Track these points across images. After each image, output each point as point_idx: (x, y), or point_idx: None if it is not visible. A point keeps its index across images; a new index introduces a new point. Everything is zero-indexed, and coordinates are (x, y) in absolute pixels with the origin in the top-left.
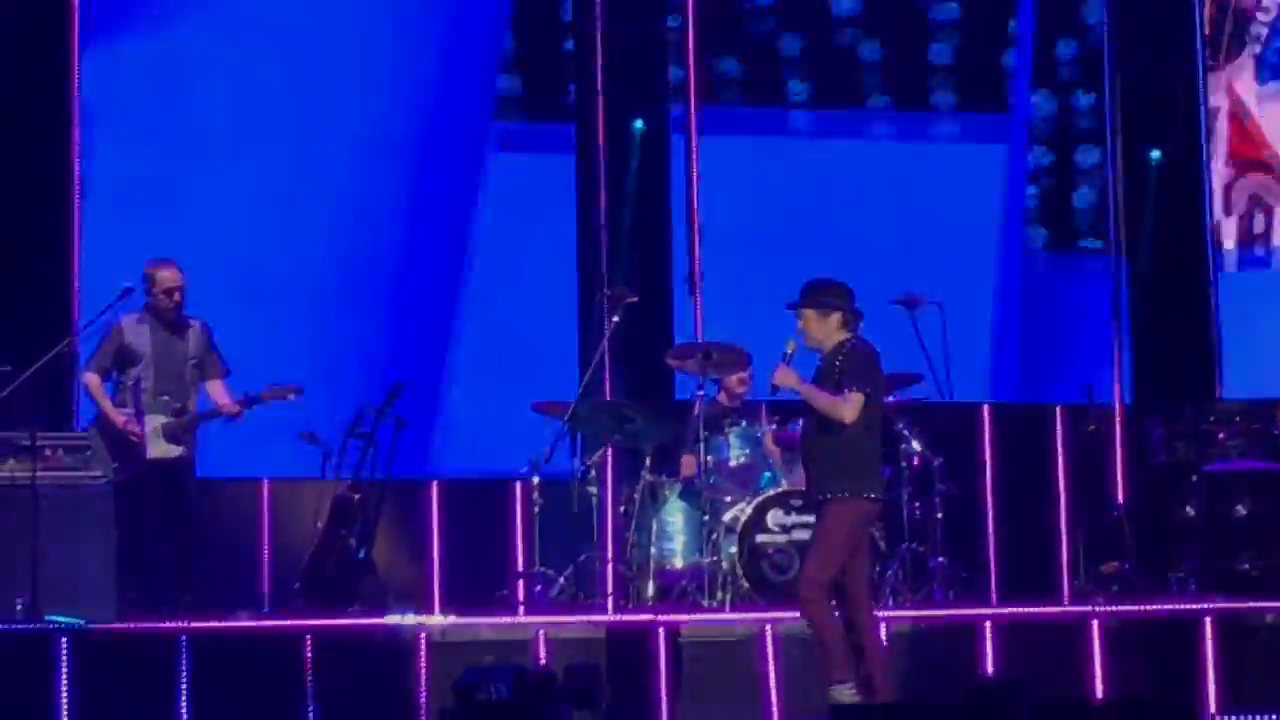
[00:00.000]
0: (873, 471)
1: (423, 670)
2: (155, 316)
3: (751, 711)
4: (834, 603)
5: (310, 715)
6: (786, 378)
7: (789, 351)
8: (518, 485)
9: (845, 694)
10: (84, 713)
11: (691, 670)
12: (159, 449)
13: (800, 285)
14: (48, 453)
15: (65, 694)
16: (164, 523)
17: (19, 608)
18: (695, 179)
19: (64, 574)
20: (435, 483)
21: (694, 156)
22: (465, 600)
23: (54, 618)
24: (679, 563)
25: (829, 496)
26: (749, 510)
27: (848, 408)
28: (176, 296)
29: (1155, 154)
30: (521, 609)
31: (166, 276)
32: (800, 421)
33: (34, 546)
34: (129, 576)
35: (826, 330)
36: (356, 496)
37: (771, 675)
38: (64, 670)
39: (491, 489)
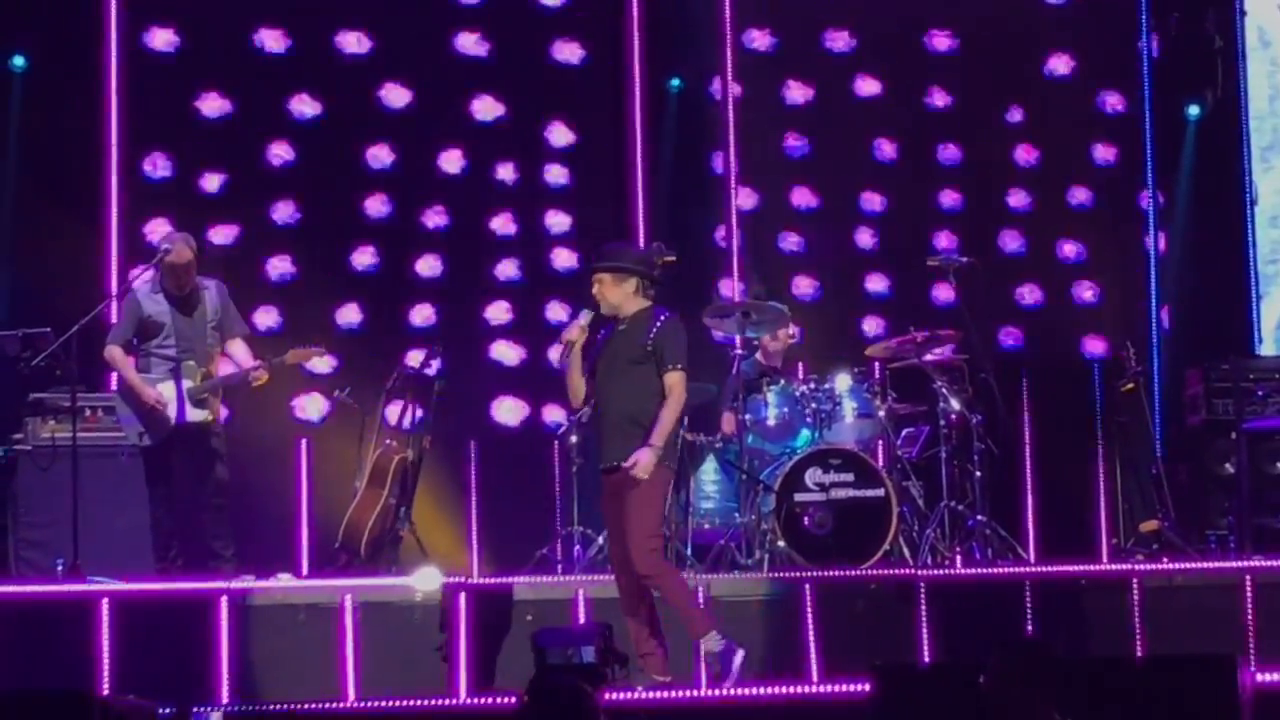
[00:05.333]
0: (674, 441)
1: (462, 628)
2: (165, 290)
3: (792, 669)
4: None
5: (350, 674)
6: (644, 463)
7: (574, 339)
8: (556, 444)
9: (715, 640)
10: (123, 671)
11: (726, 630)
12: (189, 414)
13: (601, 248)
14: (87, 413)
15: (106, 653)
16: (194, 485)
17: (59, 568)
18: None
19: (104, 534)
20: (474, 441)
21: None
22: (505, 559)
23: (95, 578)
24: (716, 522)
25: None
26: (786, 469)
27: (683, 395)
28: (182, 278)
29: (1193, 109)
30: (560, 568)
31: (173, 257)
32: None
33: (74, 507)
34: (165, 538)
35: (623, 295)
36: (396, 457)
37: (810, 632)
38: (104, 630)
39: (530, 448)
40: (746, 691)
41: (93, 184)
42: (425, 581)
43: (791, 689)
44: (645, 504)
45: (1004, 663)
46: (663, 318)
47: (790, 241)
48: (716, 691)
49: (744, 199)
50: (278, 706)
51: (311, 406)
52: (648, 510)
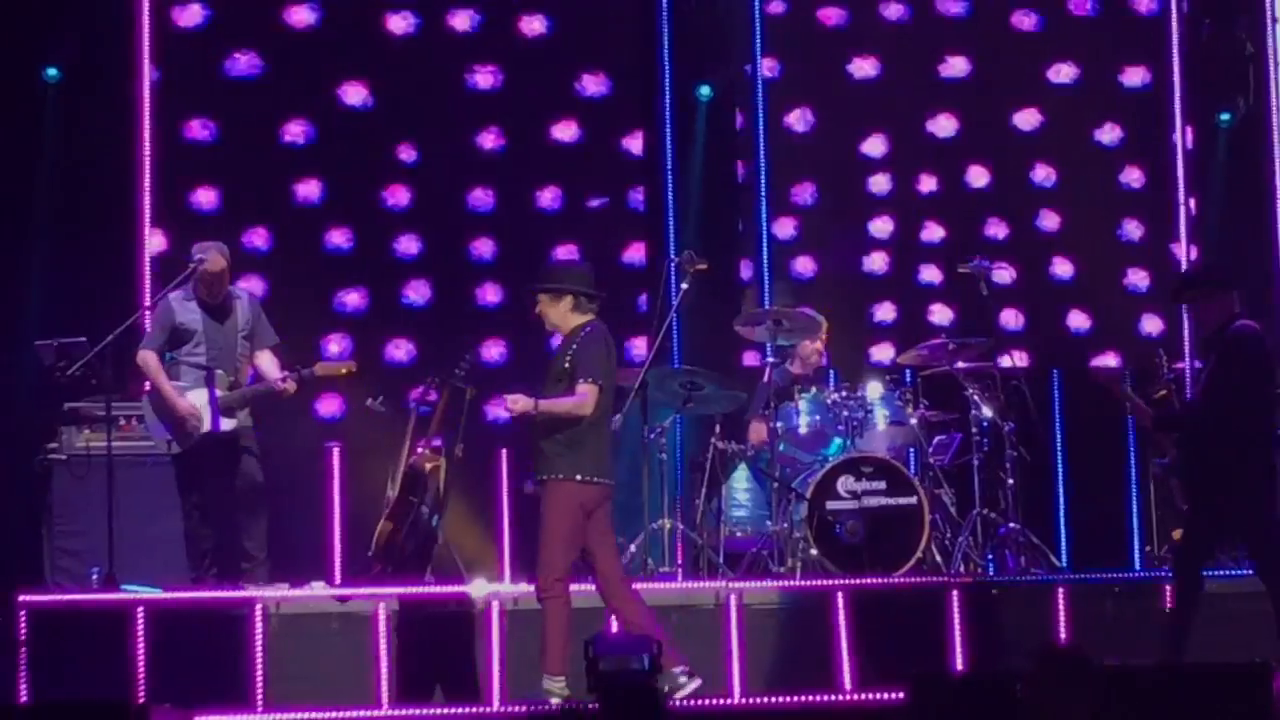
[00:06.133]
0: (590, 453)
1: (495, 638)
2: (198, 298)
3: (824, 677)
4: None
5: (384, 683)
6: (518, 404)
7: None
8: None
9: (557, 686)
10: (158, 680)
11: (759, 637)
12: (219, 422)
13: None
14: (122, 422)
15: (141, 662)
16: (225, 494)
17: (95, 577)
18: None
19: (139, 543)
20: (505, 450)
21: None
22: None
23: (130, 586)
24: (748, 530)
25: (544, 479)
26: (819, 477)
27: (585, 404)
28: (214, 287)
29: (1225, 116)
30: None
31: (207, 265)
32: None
33: (110, 516)
34: (198, 547)
35: (560, 313)
36: (428, 465)
37: (843, 640)
38: (140, 638)
39: None
40: (780, 700)
41: (125, 194)
42: (478, 590)
43: (825, 698)
44: (549, 516)
45: (1042, 671)
46: (582, 333)
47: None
48: (753, 700)
49: (774, 208)
50: (311, 714)
51: (334, 406)
52: (547, 528)
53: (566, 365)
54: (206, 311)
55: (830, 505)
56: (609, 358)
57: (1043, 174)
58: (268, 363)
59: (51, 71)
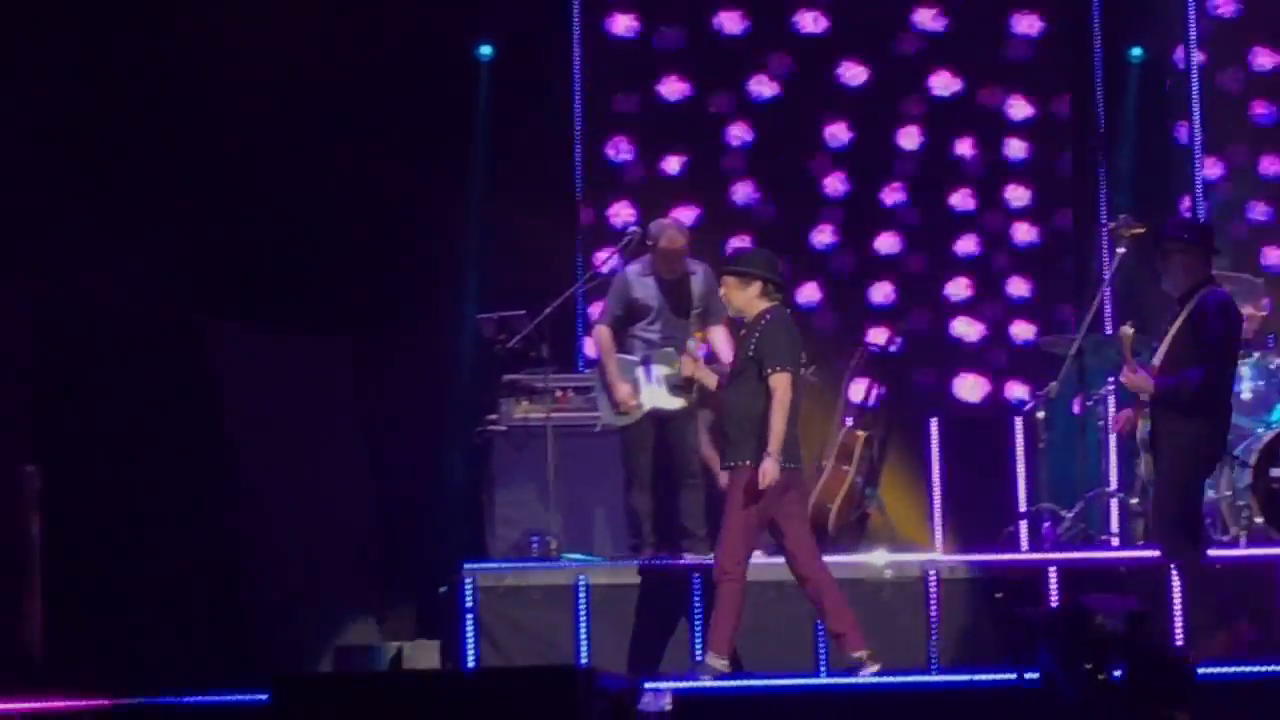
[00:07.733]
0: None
1: (932, 606)
2: (655, 273)
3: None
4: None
5: (821, 650)
6: (764, 474)
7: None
8: (1020, 421)
9: (720, 664)
10: (601, 646)
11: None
12: (662, 400)
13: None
14: (558, 394)
15: (584, 628)
16: (668, 466)
17: (535, 546)
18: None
19: (578, 513)
20: (936, 419)
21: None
22: (969, 537)
23: (570, 555)
24: None
25: (731, 465)
26: (1263, 443)
27: (784, 396)
28: (673, 263)
29: None
30: (1028, 545)
31: (664, 243)
32: None
33: (547, 487)
34: (637, 518)
35: (746, 298)
36: (862, 435)
37: None
38: (582, 606)
39: (995, 424)
40: (1237, 668)
41: (558, 168)
42: (877, 561)
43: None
44: (736, 504)
45: None
46: (765, 320)
47: (1258, 212)
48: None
49: (1209, 169)
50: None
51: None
52: (731, 513)
53: (751, 354)
54: (662, 288)
55: (1275, 472)
56: (794, 342)
57: None
58: (721, 340)
59: (485, 50)
